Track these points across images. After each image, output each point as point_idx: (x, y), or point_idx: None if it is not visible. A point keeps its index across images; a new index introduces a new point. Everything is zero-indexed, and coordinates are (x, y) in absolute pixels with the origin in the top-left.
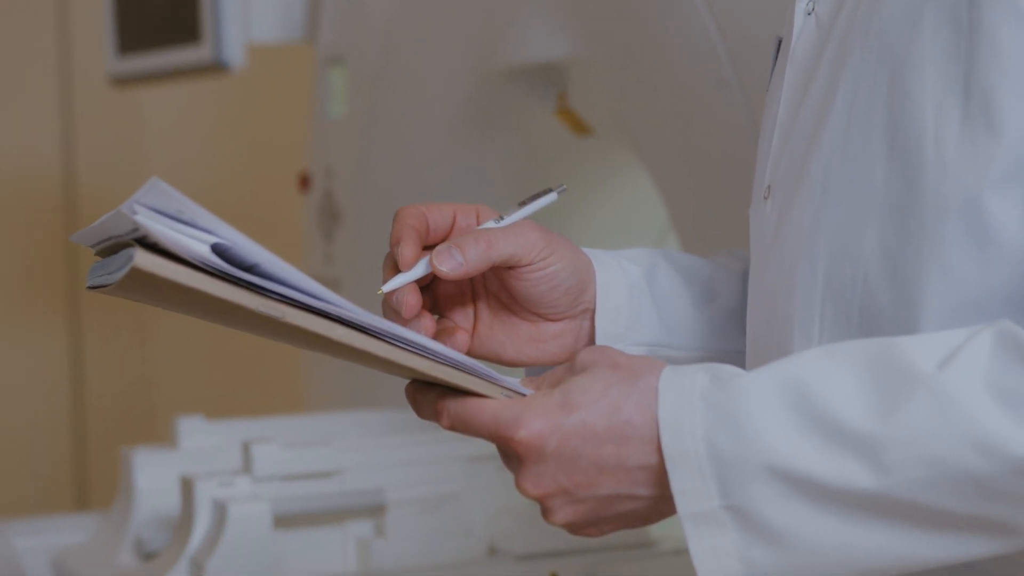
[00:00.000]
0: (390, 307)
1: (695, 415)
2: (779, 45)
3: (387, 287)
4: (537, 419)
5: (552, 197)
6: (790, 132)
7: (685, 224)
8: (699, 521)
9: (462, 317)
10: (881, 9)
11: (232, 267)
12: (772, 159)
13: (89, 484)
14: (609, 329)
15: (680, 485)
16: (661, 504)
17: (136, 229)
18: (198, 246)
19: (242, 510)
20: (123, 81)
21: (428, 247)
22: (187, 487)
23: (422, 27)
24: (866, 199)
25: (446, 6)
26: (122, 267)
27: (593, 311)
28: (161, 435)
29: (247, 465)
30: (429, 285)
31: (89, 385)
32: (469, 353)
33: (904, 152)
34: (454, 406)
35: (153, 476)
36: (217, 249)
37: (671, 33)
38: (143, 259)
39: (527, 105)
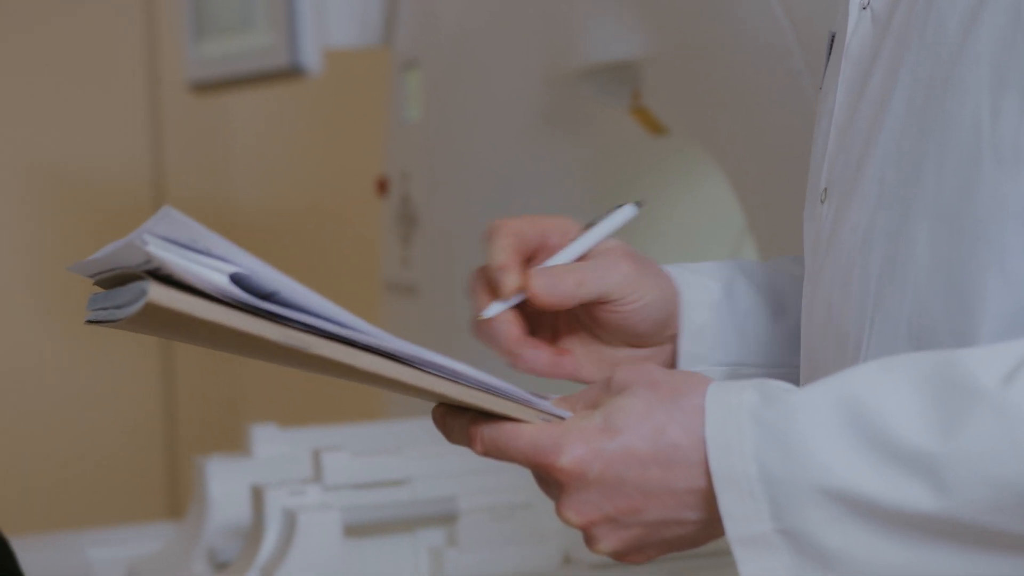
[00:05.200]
0: (483, 330)
1: (744, 434)
2: (832, 40)
3: (488, 313)
4: (578, 444)
5: (630, 212)
6: (846, 132)
7: (761, 224)
8: (749, 544)
9: (543, 332)
10: (940, 3)
11: (251, 296)
12: (828, 161)
13: (180, 493)
14: (692, 350)
15: (729, 508)
16: (710, 527)
17: (148, 260)
18: (216, 276)
19: (312, 519)
20: (203, 88)
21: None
22: (257, 496)
23: (495, 29)
24: (919, 201)
25: (518, 7)
26: (134, 301)
27: (676, 335)
28: (243, 444)
29: (317, 474)
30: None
31: (180, 394)
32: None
33: (959, 152)
34: (488, 432)
35: (226, 485)
36: (235, 278)
37: (742, 26)
38: (158, 293)
39: (600, 105)
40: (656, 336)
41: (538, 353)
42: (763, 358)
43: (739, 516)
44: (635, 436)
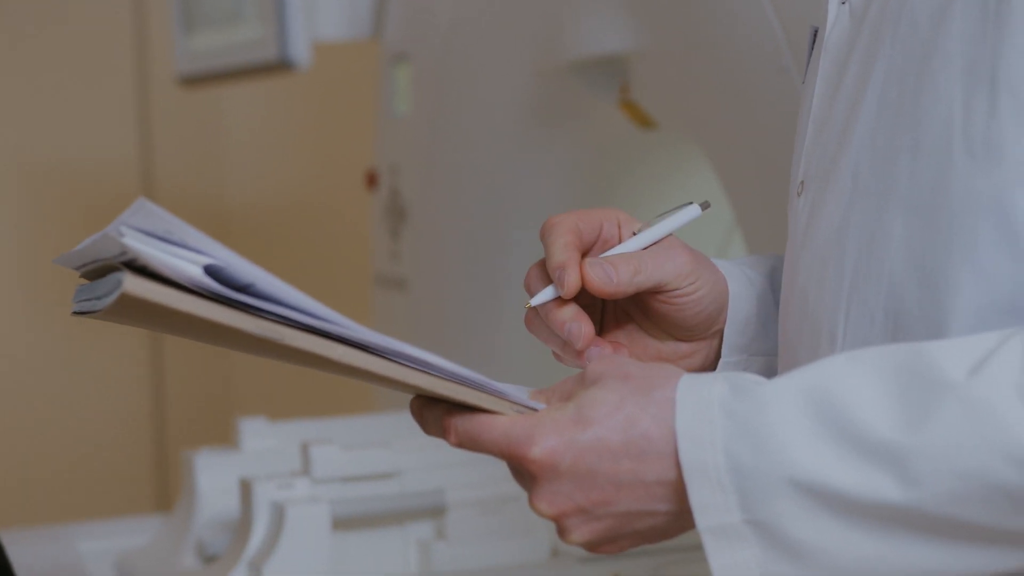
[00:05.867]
0: (537, 322)
1: (714, 426)
2: (814, 35)
3: (536, 301)
4: (550, 436)
5: (695, 212)
6: (823, 126)
7: (749, 218)
8: (719, 535)
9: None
10: None
11: (226, 288)
12: (805, 154)
13: (169, 486)
14: (736, 341)
15: (699, 499)
16: (681, 519)
17: (124, 252)
18: (190, 268)
19: (300, 512)
20: (192, 82)
21: None
22: (246, 489)
23: (485, 23)
24: (893, 195)
25: (508, 1)
26: (110, 292)
27: (722, 331)
28: (232, 438)
29: (306, 467)
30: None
31: (168, 388)
32: None
33: (932, 146)
34: (462, 423)
35: (214, 478)
36: (210, 270)
37: (731, 22)
38: (133, 284)
39: (590, 99)
40: (705, 330)
41: (602, 351)
42: None
43: (709, 507)
44: (607, 428)
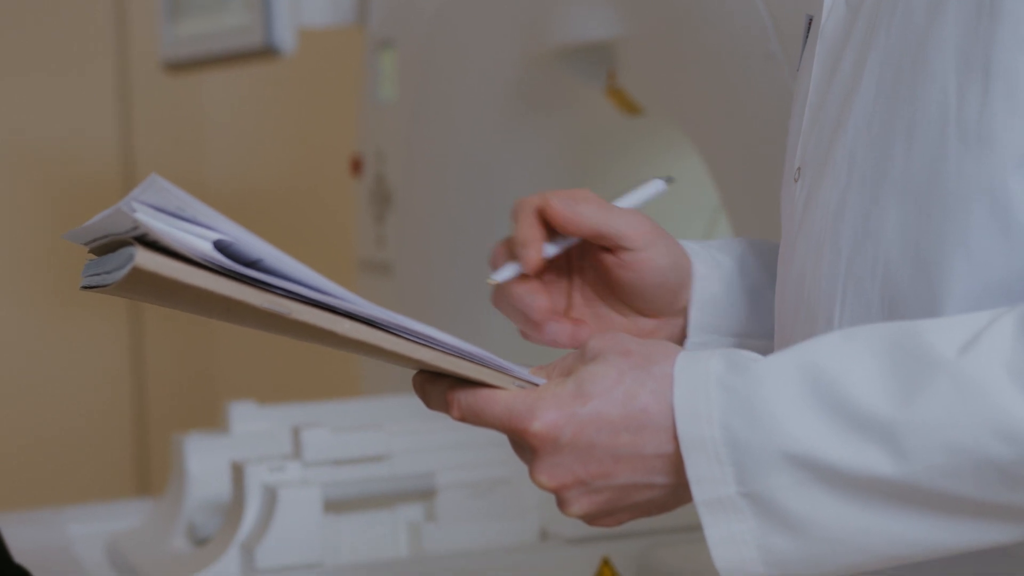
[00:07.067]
0: (502, 298)
1: (711, 401)
2: (809, 23)
3: (499, 277)
4: (551, 409)
5: (659, 186)
6: (819, 113)
7: (735, 203)
8: (715, 508)
9: (557, 302)
10: None
11: (235, 263)
12: (802, 140)
13: (151, 471)
14: (702, 320)
15: (696, 472)
16: (679, 492)
17: (136, 227)
18: (200, 243)
19: (292, 495)
20: (176, 67)
21: None
22: (237, 472)
23: (471, 9)
24: (888, 181)
25: None
26: (122, 266)
27: (687, 308)
28: (221, 421)
29: (297, 450)
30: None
31: (150, 371)
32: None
33: (926, 133)
34: (465, 397)
35: (205, 461)
36: (219, 245)
37: (717, 7)
38: (144, 258)
39: (576, 85)
40: (668, 305)
41: (560, 326)
42: (771, 331)
43: (706, 480)
44: (606, 402)
